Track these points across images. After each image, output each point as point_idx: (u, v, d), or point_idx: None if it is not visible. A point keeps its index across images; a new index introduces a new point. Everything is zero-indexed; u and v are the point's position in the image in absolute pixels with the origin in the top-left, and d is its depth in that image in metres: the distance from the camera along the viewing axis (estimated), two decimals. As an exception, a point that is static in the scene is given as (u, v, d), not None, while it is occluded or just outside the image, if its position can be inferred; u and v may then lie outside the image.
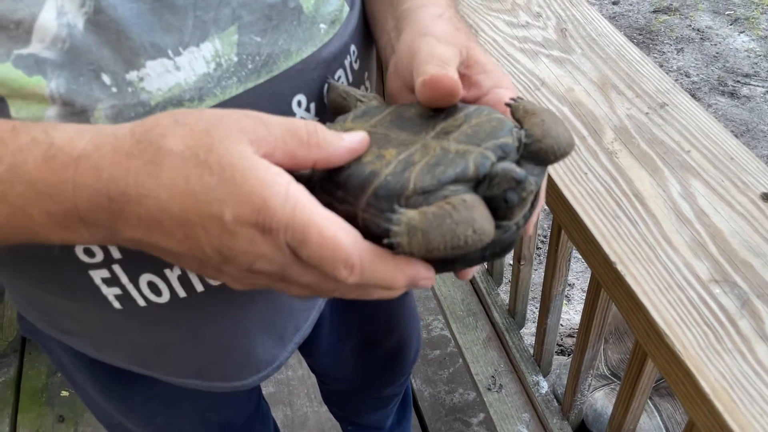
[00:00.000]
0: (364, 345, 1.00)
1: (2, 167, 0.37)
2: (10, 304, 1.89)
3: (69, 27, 0.41)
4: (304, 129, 0.40)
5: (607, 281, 0.67)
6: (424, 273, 0.40)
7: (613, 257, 0.65)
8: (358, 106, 0.49)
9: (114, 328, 0.59)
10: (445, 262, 0.41)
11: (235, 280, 0.41)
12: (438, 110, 0.45)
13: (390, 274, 0.39)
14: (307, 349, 0.94)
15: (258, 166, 0.37)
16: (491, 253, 0.41)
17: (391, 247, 0.38)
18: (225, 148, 0.37)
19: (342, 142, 0.41)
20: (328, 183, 0.41)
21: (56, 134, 0.39)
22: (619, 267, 0.64)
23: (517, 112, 0.44)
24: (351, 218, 0.40)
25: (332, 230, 0.37)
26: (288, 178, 0.37)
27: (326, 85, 0.53)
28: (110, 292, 0.53)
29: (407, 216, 0.37)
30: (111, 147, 0.38)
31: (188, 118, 0.38)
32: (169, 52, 0.45)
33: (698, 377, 0.56)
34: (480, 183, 0.39)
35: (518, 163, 0.41)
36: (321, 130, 0.40)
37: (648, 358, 0.73)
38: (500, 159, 0.40)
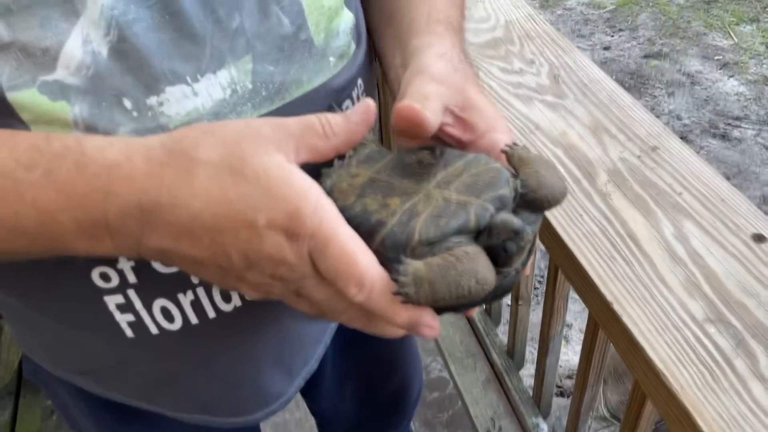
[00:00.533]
0: (365, 386, 1.00)
1: (38, 172, 0.39)
2: (6, 347, 1.88)
3: (94, 54, 0.43)
4: (318, 121, 0.42)
5: (605, 321, 0.68)
6: (428, 320, 0.42)
7: (609, 297, 0.66)
8: (358, 147, 0.51)
9: (124, 359, 0.59)
10: (448, 308, 0.42)
11: (254, 286, 0.42)
12: (438, 157, 0.47)
13: (394, 306, 0.40)
14: (307, 389, 0.94)
15: (292, 176, 0.39)
16: (491, 296, 0.42)
17: (399, 296, 0.40)
18: (259, 158, 0.39)
19: (350, 122, 0.44)
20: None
21: (87, 143, 0.40)
22: (616, 307, 0.65)
23: (513, 159, 0.46)
24: None
25: (352, 247, 0.39)
26: (318, 191, 0.40)
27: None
28: (123, 319, 0.54)
29: (414, 267, 0.39)
30: (143, 157, 0.39)
31: (216, 129, 0.40)
32: (188, 78, 0.47)
33: (696, 417, 0.56)
34: (480, 233, 0.41)
35: (515, 211, 0.43)
36: (332, 118, 0.43)
37: (647, 399, 0.73)
38: (499, 210, 0.42)
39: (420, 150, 0.48)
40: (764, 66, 3.19)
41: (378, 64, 0.68)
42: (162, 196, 0.39)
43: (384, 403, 1.06)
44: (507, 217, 0.41)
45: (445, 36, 0.56)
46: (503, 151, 0.47)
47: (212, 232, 0.39)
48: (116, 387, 0.64)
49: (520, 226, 0.40)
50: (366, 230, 0.42)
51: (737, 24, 3.53)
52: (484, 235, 0.41)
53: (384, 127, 1.67)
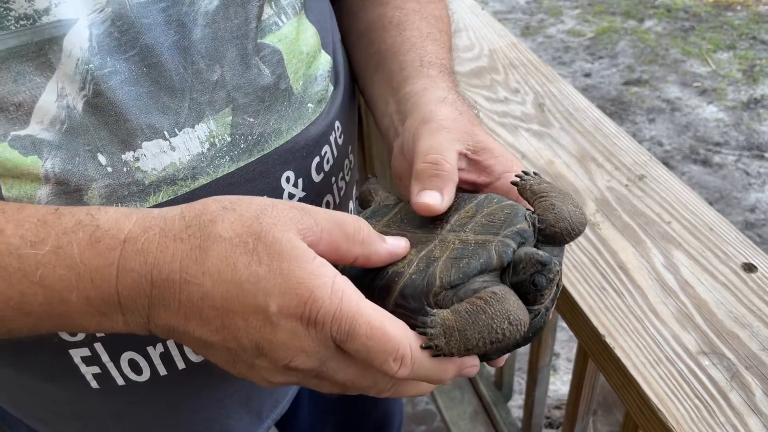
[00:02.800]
0: (346, 421, 0.97)
1: (45, 249, 0.37)
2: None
3: (68, 109, 0.42)
4: (351, 224, 0.40)
5: (596, 353, 0.66)
6: (470, 361, 0.40)
7: (601, 330, 0.64)
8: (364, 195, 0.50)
9: (87, 412, 0.57)
10: (481, 355, 0.40)
11: (265, 376, 0.40)
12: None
13: (440, 367, 0.38)
14: (287, 427, 0.92)
15: (305, 256, 0.37)
16: (524, 339, 0.41)
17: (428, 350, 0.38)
18: (273, 236, 0.37)
19: (385, 244, 0.41)
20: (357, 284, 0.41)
21: (102, 216, 0.38)
22: (608, 340, 0.63)
23: (525, 192, 0.45)
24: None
25: (380, 320, 0.37)
26: (334, 271, 0.37)
27: (366, 180, 0.54)
28: (89, 371, 0.52)
29: (441, 317, 0.37)
30: (159, 229, 0.38)
31: (237, 204, 0.39)
32: (165, 133, 0.45)
33: (693, 453, 0.55)
34: (504, 271, 0.39)
35: (536, 246, 0.42)
36: (366, 228, 0.41)
37: (640, 433, 0.72)
38: (520, 245, 0.40)
39: None
40: (742, 92, 3.24)
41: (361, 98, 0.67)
42: (173, 272, 0.37)
43: None
44: (530, 249, 0.39)
45: (439, 79, 0.55)
46: (513, 183, 0.46)
47: (222, 314, 0.37)
48: None
49: (547, 257, 0.38)
50: (382, 285, 0.40)
51: (714, 51, 3.59)
52: (509, 273, 0.39)
53: (365, 152, 1.67)
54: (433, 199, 0.44)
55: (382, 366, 0.37)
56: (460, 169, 0.48)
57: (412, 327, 0.38)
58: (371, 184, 0.54)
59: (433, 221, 0.45)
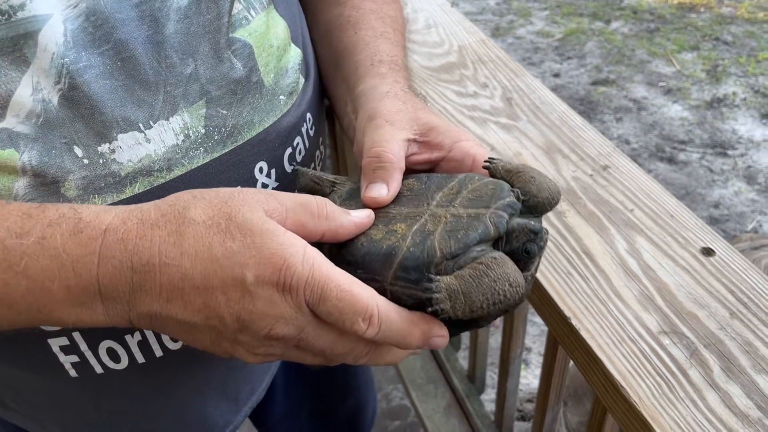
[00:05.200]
0: (320, 411, 0.98)
1: (30, 240, 0.38)
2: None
3: (44, 102, 0.43)
4: (314, 202, 0.42)
5: (563, 337, 0.69)
6: (437, 330, 0.42)
7: (567, 312, 0.66)
8: (334, 189, 0.51)
9: (66, 399, 0.57)
10: (468, 323, 0.42)
11: (250, 350, 0.41)
12: (425, 182, 0.48)
13: (405, 328, 0.40)
14: (262, 417, 0.93)
15: (276, 230, 0.39)
16: (515, 304, 0.43)
17: (435, 314, 0.39)
18: (243, 216, 0.39)
19: (350, 216, 0.43)
20: (344, 265, 0.42)
21: (83, 210, 0.40)
22: (574, 322, 0.66)
23: (498, 172, 0.47)
24: (401, 300, 0.41)
25: (349, 284, 0.39)
26: (304, 242, 0.39)
27: (294, 172, 0.55)
28: (67, 360, 0.52)
29: (445, 282, 0.39)
30: (137, 220, 0.39)
31: (205, 193, 0.41)
32: (140, 125, 0.46)
33: (655, 427, 0.57)
34: (497, 241, 0.42)
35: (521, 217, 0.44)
36: (329, 204, 0.43)
37: (608, 413, 0.74)
38: (511, 216, 0.43)
39: (405, 180, 0.49)
40: (705, 92, 3.32)
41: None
42: (153, 256, 0.38)
43: (339, 428, 1.04)
44: (522, 219, 0.42)
45: (388, 75, 0.57)
46: (485, 167, 0.48)
47: (203, 293, 0.38)
48: (56, 428, 0.62)
49: (538, 226, 0.41)
50: (379, 261, 0.42)
51: (679, 52, 3.67)
52: (502, 243, 0.42)
53: (338, 153, 1.68)
54: (378, 191, 0.47)
55: (352, 326, 0.39)
56: (413, 154, 0.50)
57: (414, 297, 0.40)
58: (307, 175, 0.54)
59: (417, 199, 0.47)
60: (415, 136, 0.51)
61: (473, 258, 0.40)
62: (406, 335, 0.41)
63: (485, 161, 0.49)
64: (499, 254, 0.41)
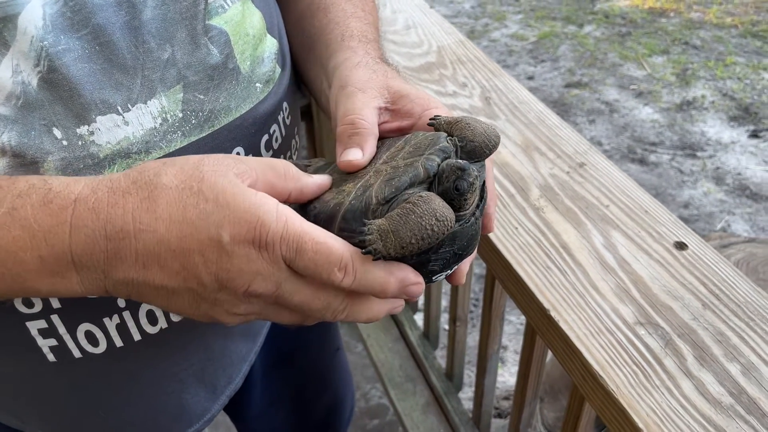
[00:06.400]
0: (298, 405, 0.99)
1: (0, 211, 0.38)
2: None
3: (23, 85, 0.43)
4: (280, 164, 0.44)
5: (542, 328, 0.70)
6: (413, 277, 0.43)
7: (546, 305, 0.68)
8: (307, 169, 0.53)
9: (43, 385, 0.57)
10: (423, 263, 0.44)
11: (229, 310, 0.42)
12: (379, 147, 0.50)
13: (381, 276, 0.42)
14: (239, 411, 0.93)
15: (247, 191, 0.40)
16: (459, 247, 0.44)
17: (371, 256, 0.41)
18: (215, 179, 0.40)
19: (311, 178, 0.46)
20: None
21: (53, 181, 0.40)
22: (553, 314, 0.67)
23: (441, 126, 0.49)
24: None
25: (323, 237, 0.40)
26: (275, 200, 0.40)
27: None
28: (46, 344, 0.52)
29: (376, 224, 0.41)
30: (107, 189, 0.40)
31: (175, 160, 0.41)
32: (119, 108, 0.47)
33: (632, 414, 0.59)
34: (431, 185, 0.44)
35: None
36: (292, 167, 0.45)
37: (585, 402, 0.76)
38: (444, 160, 0.44)
39: None
40: (675, 95, 3.39)
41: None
42: (127, 223, 0.39)
43: (317, 422, 1.05)
44: (450, 160, 0.44)
45: (358, 48, 0.59)
46: (429, 124, 0.50)
47: (180, 255, 0.39)
48: (33, 419, 0.62)
49: (464, 163, 0.42)
50: (327, 218, 0.44)
51: (649, 56, 3.74)
52: (435, 185, 0.43)
53: (317, 144, 1.69)
54: (354, 155, 0.48)
55: (329, 277, 0.40)
56: (384, 122, 0.52)
57: (356, 245, 0.42)
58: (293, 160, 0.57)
59: (370, 163, 0.49)
60: (386, 104, 0.52)
61: (404, 200, 0.42)
62: (383, 282, 0.42)
63: (430, 119, 0.50)
64: (426, 192, 0.42)
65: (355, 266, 0.41)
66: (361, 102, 0.51)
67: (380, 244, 0.40)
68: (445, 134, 0.47)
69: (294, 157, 0.67)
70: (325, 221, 0.44)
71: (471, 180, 0.42)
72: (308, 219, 0.44)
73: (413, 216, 0.40)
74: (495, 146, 0.47)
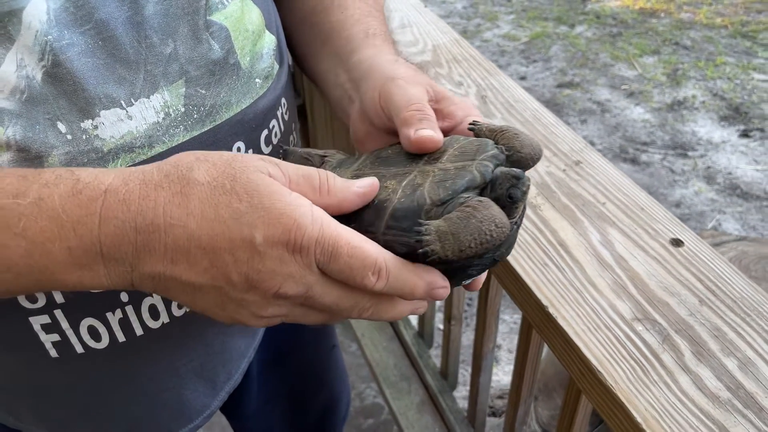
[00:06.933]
0: (294, 403, 0.99)
1: (27, 200, 0.38)
2: None
3: (28, 79, 0.43)
4: (317, 176, 0.42)
5: (541, 325, 0.71)
6: (440, 281, 0.43)
7: (544, 301, 0.68)
8: (324, 162, 0.52)
9: (43, 382, 0.57)
10: (464, 267, 0.44)
11: (256, 312, 0.41)
12: None
13: (411, 279, 0.41)
14: (236, 410, 0.93)
15: (281, 191, 0.39)
16: (500, 254, 0.45)
17: (425, 257, 0.41)
18: (248, 177, 0.39)
19: (353, 188, 0.43)
20: (339, 219, 0.43)
21: (81, 172, 0.40)
22: (551, 310, 0.68)
23: (482, 132, 0.49)
24: (406, 254, 0.42)
25: (359, 241, 0.40)
26: (309, 201, 0.40)
27: (282, 152, 0.56)
28: (48, 339, 0.52)
29: (434, 225, 0.41)
30: (139, 181, 0.39)
31: (208, 155, 0.41)
32: (122, 102, 0.47)
33: (630, 409, 0.59)
34: (483, 190, 0.44)
35: None
36: (332, 178, 0.43)
37: (581, 400, 0.76)
38: (496, 166, 0.45)
39: (393, 144, 0.50)
40: (666, 95, 3.41)
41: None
42: (157, 216, 0.38)
43: (313, 420, 1.05)
44: (504, 167, 0.44)
45: (384, 47, 0.59)
46: (470, 129, 0.50)
47: (210, 253, 0.38)
48: (30, 418, 0.62)
49: (520, 172, 0.43)
50: (371, 215, 0.43)
51: (640, 56, 3.76)
52: (487, 191, 0.44)
53: (311, 144, 1.69)
54: (429, 133, 0.47)
55: (363, 281, 0.40)
56: None
57: (406, 245, 0.42)
58: (296, 153, 0.55)
59: (406, 161, 0.48)
60: (431, 102, 0.52)
61: (461, 203, 0.42)
62: (412, 286, 0.42)
63: (470, 123, 0.50)
64: (484, 198, 0.43)
65: (389, 270, 0.40)
66: (420, 94, 0.50)
67: (438, 245, 0.40)
68: (492, 142, 0.47)
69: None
70: (369, 217, 0.43)
71: (524, 189, 0.43)
72: (347, 217, 0.43)
73: (474, 220, 0.40)
74: (539, 159, 0.48)
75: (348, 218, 0.43)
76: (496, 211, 0.42)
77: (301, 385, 0.98)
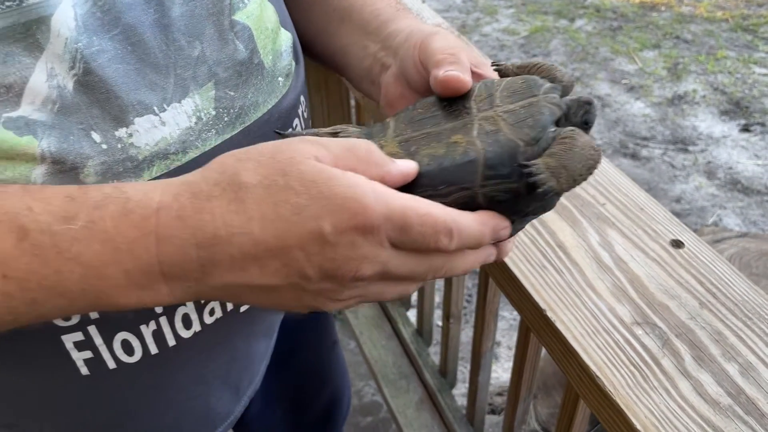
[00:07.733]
0: (298, 403, 0.99)
1: (78, 224, 0.36)
2: None
3: (59, 89, 0.42)
4: (362, 147, 0.41)
5: (538, 328, 0.70)
6: (502, 222, 0.43)
7: (542, 305, 0.67)
8: (340, 134, 0.50)
9: (69, 401, 0.56)
10: (525, 213, 0.44)
11: (332, 297, 0.40)
12: (445, 101, 0.47)
13: (478, 229, 0.41)
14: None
15: (336, 174, 0.37)
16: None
17: (545, 195, 0.41)
18: (297, 168, 0.37)
19: (395, 164, 0.42)
20: (413, 189, 0.42)
21: (128, 189, 0.38)
22: (549, 314, 0.67)
23: (511, 71, 0.49)
24: (465, 204, 0.42)
25: (425, 207, 0.38)
26: (365, 178, 0.38)
27: (282, 137, 0.54)
28: (80, 357, 0.51)
29: (543, 162, 0.41)
30: (190, 194, 0.38)
31: (248, 153, 0.39)
32: (155, 108, 0.46)
33: (629, 415, 0.58)
34: (557, 122, 0.44)
35: None
36: (376, 149, 0.41)
37: (579, 403, 0.75)
38: (561, 97, 0.45)
39: (420, 101, 0.49)
40: (666, 89, 3.40)
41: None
42: (218, 228, 0.37)
43: (316, 418, 1.04)
44: (572, 97, 0.45)
45: (416, 20, 0.58)
46: (495, 70, 0.49)
47: (279, 254, 0.37)
48: None
49: (589, 97, 0.44)
50: (460, 170, 0.42)
51: (641, 50, 3.75)
52: (562, 121, 0.44)
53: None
54: (459, 74, 0.46)
55: (437, 245, 0.39)
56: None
57: (509, 191, 0.42)
58: (297, 135, 0.53)
59: (449, 115, 0.46)
60: (471, 66, 0.50)
61: (552, 138, 0.42)
62: (479, 235, 0.41)
63: (493, 63, 0.49)
64: (572, 127, 0.43)
65: (458, 228, 0.39)
66: (458, 44, 0.49)
67: (554, 180, 0.41)
68: (535, 76, 0.47)
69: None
70: (460, 172, 0.42)
71: (595, 113, 0.44)
72: (423, 178, 0.42)
73: (577, 149, 0.41)
74: (573, 88, 0.48)
75: (431, 184, 0.42)
76: (587, 137, 0.42)
77: (303, 385, 0.98)
